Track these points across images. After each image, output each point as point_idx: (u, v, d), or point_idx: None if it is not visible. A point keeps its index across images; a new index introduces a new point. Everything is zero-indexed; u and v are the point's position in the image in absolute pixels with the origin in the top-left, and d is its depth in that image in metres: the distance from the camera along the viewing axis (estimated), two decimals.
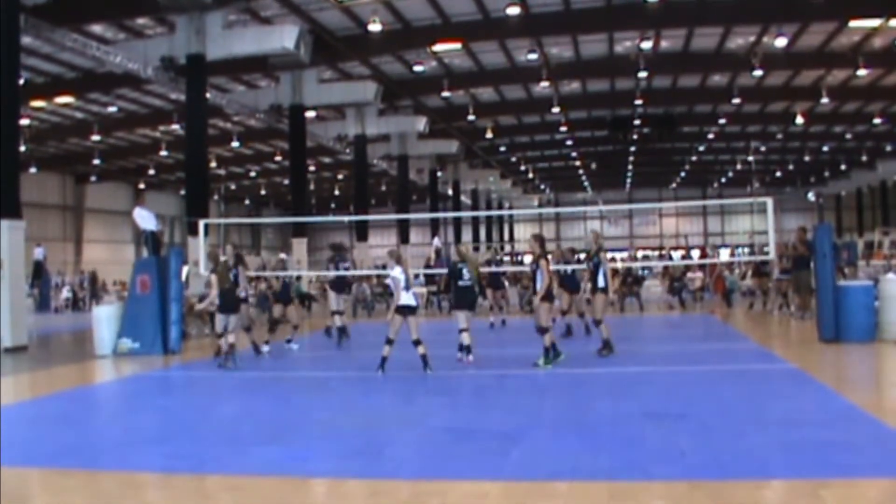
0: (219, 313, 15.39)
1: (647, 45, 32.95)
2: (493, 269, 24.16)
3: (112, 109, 39.92)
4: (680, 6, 29.53)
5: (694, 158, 65.58)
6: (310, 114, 37.68)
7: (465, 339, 15.05)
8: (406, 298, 13.57)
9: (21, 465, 7.91)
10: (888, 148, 58.52)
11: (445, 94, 39.36)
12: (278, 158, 54.68)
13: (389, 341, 13.57)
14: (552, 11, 29.81)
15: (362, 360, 14.46)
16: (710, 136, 55.79)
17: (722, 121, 49.20)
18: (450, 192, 61.32)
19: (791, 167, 71.23)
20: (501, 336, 20.59)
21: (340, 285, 19.56)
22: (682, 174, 75.02)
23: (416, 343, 13.60)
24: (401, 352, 13.87)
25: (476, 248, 34.68)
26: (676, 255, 63.49)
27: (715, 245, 70.90)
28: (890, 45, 33.29)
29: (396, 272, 13.62)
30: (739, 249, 70.02)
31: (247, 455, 8.34)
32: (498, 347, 17.11)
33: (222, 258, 15.92)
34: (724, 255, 58.08)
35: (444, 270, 19.68)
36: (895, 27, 31.19)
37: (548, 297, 14.21)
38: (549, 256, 15.23)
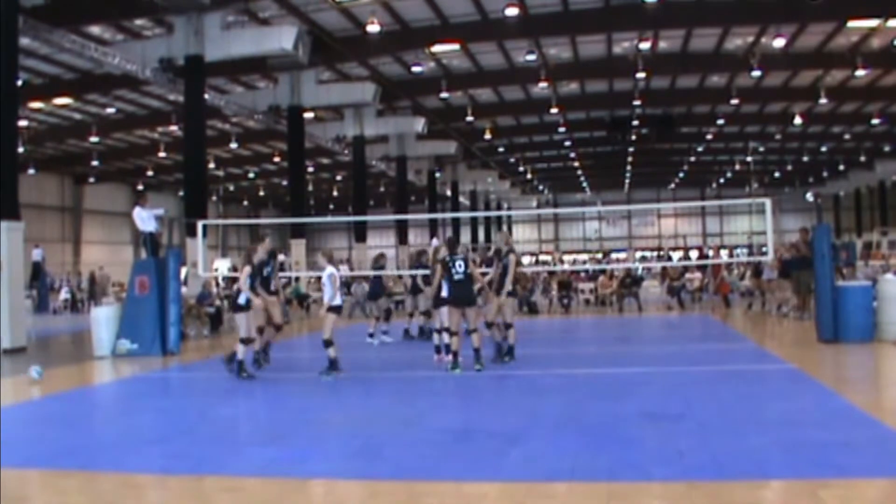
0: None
1: (645, 45, 32.99)
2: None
3: (110, 110, 39.91)
4: (678, 7, 29.54)
5: (692, 159, 65.55)
6: (308, 115, 37.66)
7: (444, 338, 15.18)
8: (338, 298, 13.60)
9: (20, 466, 7.90)
10: (886, 148, 58.58)
11: (444, 94, 39.32)
12: (277, 159, 54.65)
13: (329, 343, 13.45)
14: (551, 12, 29.81)
15: (359, 361, 14.44)
16: (709, 136, 55.81)
17: (720, 121, 49.20)
18: (448, 192, 61.34)
19: (789, 167, 71.24)
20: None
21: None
22: (681, 175, 75.01)
23: (329, 344, 13.44)
24: (395, 352, 13.87)
25: (474, 249, 34.84)
26: (675, 255, 63.59)
27: (718, 246, 70.89)
28: (888, 45, 33.33)
29: (332, 270, 13.59)
30: (738, 250, 70.06)
31: (245, 456, 8.35)
32: (489, 349, 17.10)
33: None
34: (724, 256, 58.09)
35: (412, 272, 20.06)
36: (893, 27, 31.22)
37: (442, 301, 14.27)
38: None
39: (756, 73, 36.47)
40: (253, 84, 37.94)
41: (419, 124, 42.75)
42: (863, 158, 62.61)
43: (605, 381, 13.06)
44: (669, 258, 66.18)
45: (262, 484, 7.30)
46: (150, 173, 57.84)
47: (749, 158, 62.54)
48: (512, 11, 27.98)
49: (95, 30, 28.84)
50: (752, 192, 70.60)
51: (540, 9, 29.54)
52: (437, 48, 33.80)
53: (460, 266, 13.94)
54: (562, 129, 51.43)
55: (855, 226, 70.45)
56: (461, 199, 64.26)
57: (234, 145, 49.09)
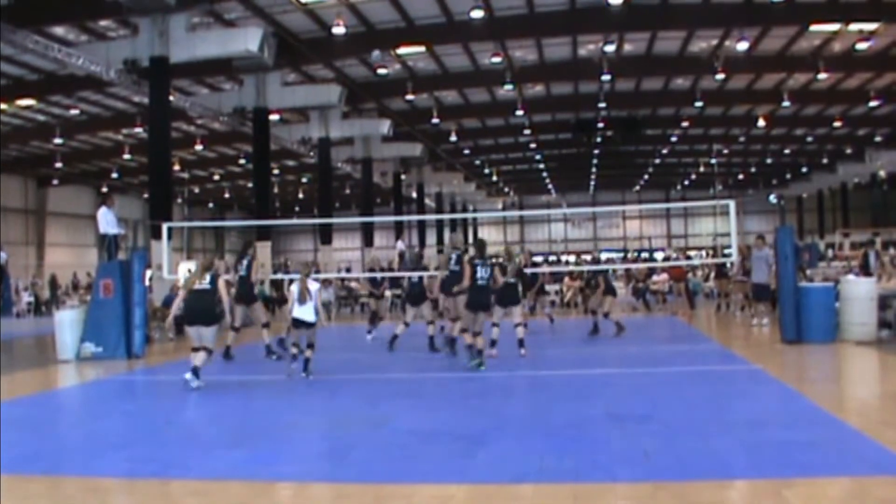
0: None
1: (610, 48, 33.08)
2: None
3: (74, 112, 39.56)
4: (643, 9, 29.64)
5: (657, 161, 65.80)
6: (273, 117, 37.48)
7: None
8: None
9: None
10: (848, 150, 59.17)
11: (409, 97, 39.33)
12: (242, 161, 54.42)
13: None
14: (516, 15, 29.85)
15: (325, 364, 14.41)
16: (674, 138, 56.02)
17: (685, 124, 49.38)
18: (414, 195, 61.21)
19: (753, 170, 71.67)
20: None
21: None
22: (646, 177, 75.31)
23: None
24: (362, 354, 13.86)
25: (439, 251, 35.00)
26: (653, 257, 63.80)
27: (686, 249, 70.94)
28: (849, 49, 33.61)
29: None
30: (701, 252, 70.40)
31: (211, 459, 8.32)
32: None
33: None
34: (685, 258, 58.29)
35: (408, 274, 19.85)
36: (854, 31, 31.51)
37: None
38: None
39: (720, 76, 36.70)
40: (218, 86, 37.75)
41: (384, 126, 42.65)
42: (825, 161, 63.13)
43: (571, 382, 13.10)
44: (636, 259, 66.32)
45: (228, 487, 7.27)
46: (114, 175, 57.42)
47: (713, 161, 62.83)
48: (477, 14, 27.99)
49: (59, 30, 28.57)
50: (717, 194, 70.93)
51: (505, 11, 29.58)
52: (402, 50, 33.79)
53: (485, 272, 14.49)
54: (527, 132, 51.54)
55: (818, 227, 71.00)
56: (427, 201, 64.13)
57: (199, 147, 48.82)
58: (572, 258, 73.89)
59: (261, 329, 17.75)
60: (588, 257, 67.63)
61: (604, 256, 72.64)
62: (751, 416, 9.60)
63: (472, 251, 15.32)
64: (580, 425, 9.33)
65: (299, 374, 13.66)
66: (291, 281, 17.07)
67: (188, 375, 12.73)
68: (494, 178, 71.79)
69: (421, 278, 18.48)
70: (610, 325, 20.30)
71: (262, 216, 35.19)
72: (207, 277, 13.20)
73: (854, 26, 30.87)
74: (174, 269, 19.34)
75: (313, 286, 13.83)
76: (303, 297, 13.63)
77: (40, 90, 35.23)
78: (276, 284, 29.98)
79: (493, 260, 14.83)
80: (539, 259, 53.23)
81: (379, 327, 20.49)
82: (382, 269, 22.20)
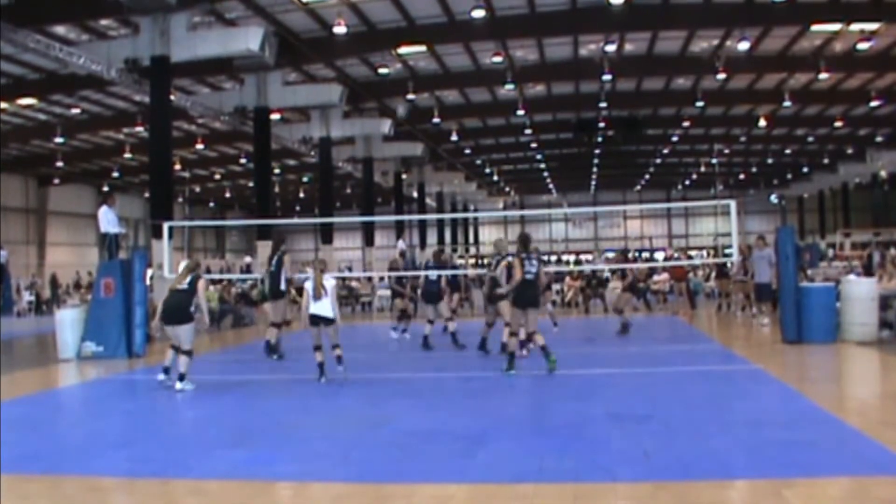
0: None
1: (611, 48, 33.05)
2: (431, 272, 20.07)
3: (75, 111, 39.55)
4: (644, 9, 29.61)
5: (658, 161, 65.78)
6: (274, 116, 37.44)
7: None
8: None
9: None
10: (849, 151, 59.14)
11: (410, 96, 39.30)
12: (243, 161, 54.37)
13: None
14: (517, 14, 29.83)
15: (330, 364, 14.40)
16: (674, 138, 55.98)
17: (686, 123, 49.34)
18: (415, 194, 61.15)
19: (754, 169, 71.65)
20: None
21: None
22: (647, 176, 75.31)
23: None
24: (363, 354, 13.85)
25: (441, 251, 35.04)
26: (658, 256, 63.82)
27: (687, 249, 70.90)
28: (850, 49, 33.60)
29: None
30: (702, 251, 70.28)
31: (211, 459, 8.32)
32: (459, 350, 17.19)
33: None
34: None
35: (409, 273, 19.96)
36: (855, 31, 31.49)
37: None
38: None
39: (721, 76, 36.66)
40: (219, 85, 37.72)
41: (385, 126, 42.63)
42: (826, 161, 63.12)
43: (571, 382, 13.08)
44: (636, 259, 66.38)
45: (228, 487, 7.28)
46: (115, 174, 57.39)
47: (714, 160, 62.78)
48: (479, 13, 27.96)
49: (60, 30, 28.55)
50: (717, 193, 70.84)
51: (506, 11, 29.57)
52: (403, 50, 33.77)
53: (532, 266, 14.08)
54: (528, 131, 51.52)
55: (818, 227, 71.00)
56: (428, 200, 64.08)
57: (200, 146, 48.82)
58: (573, 258, 74.00)
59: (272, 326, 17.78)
60: (589, 256, 67.70)
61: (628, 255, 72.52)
62: (751, 415, 9.60)
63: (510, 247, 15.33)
64: (580, 425, 9.33)
65: (336, 374, 13.50)
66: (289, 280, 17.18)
67: (178, 385, 12.80)
68: (495, 177, 71.82)
69: (439, 277, 18.57)
70: (614, 322, 20.34)
71: (263, 215, 35.12)
72: (189, 278, 13.23)
73: (855, 26, 30.85)
74: (175, 269, 19.31)
75: (329, 282, 13.66)
76: (318, 293, 13.49)
77: (41, 89, 35.22)
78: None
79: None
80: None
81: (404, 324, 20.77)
82: (406, 269, 22.28)
